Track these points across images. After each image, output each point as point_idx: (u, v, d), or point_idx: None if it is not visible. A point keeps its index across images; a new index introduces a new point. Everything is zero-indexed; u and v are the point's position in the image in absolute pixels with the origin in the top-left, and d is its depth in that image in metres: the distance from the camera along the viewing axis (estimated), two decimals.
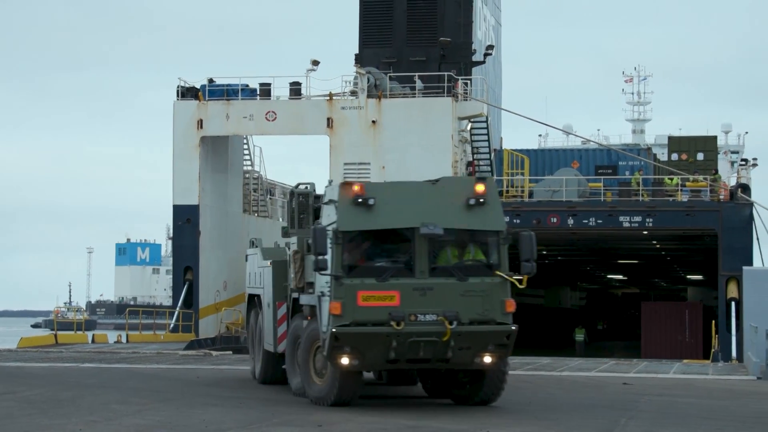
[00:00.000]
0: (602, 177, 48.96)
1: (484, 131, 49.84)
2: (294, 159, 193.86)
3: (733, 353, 42.79)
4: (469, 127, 49.24)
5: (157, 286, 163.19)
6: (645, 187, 47.69)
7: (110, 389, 23.59)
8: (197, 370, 30.04)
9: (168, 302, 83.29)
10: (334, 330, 19.21)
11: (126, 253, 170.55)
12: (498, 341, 19.75)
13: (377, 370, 21.94)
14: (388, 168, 44.71)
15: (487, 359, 19.88)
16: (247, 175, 54.48)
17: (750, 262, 44.77)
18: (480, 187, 19.91)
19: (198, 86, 48.91)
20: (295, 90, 48.63)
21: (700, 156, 54.18)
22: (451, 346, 19.50)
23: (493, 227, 19.97)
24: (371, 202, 19.59)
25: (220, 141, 50.21)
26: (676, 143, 55.61)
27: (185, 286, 48.78)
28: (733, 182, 48.97)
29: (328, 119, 47.49)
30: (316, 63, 48.41)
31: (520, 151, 52.07)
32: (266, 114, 48.19)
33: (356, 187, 19.67)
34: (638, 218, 45.84)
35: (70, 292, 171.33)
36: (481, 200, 19.88)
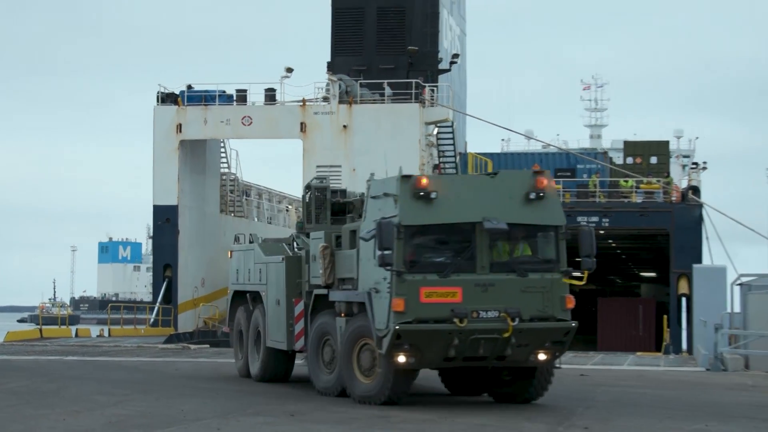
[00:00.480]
0: (561, 179, 49.09)
1: (450, 135, 49.91)
2: (269, 161, 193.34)
3: (684, 346, 43.05)
4: (435, 132, 49.30)
5: (137, 283, 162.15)
6: (602, 189, 47.89)
7: (92, 381, 23.49)
8: (176, 362, 29.92)
9: (148, 298, 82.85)
10: (397, 327, 17.86)
11: (108, 251, 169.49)
12: (556, 338, 18.66)
13: (433, 368, 19.92)
14: (358, 170, 44.76)
15: (542, 356, 18.81)
16: (224, 177, 54.43)
17: (699, 260, 45.01)
18: (540, 181, 18.63)
19: (177, 92, 48.80)
20: (270, 96, 48.61)
21: (653, 160, 54.33)
22: (511, 344, 18.33)
23: (553, 222, 18.66)
24: (434, 195, 18.17)
25: (199, 144, 50.09)
26: (631, 147, 55.74)
27: (165, 283, 48.68)
28: (684, 184, 49.18)
29: (302, 124, 47.48)
30: (290, 70, 48.41)
31: (484, 154, 52.10)
32: (242, 119, 48.14)
33: (419, 180, 18.22)
34: (595, 218, 45.96)
35: (54, 288, 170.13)
36: (541, 194, 18.58)
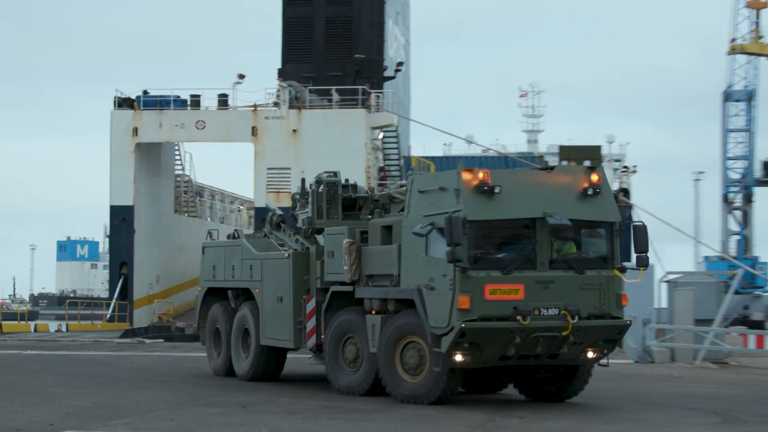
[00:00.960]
0: None
1: (395, 140, 50.11)
2: (221, 164, 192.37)
3: None
4: (380, 136, 49.47)
5: (95, 280, 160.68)
6: None
7: (51, 374, 23.31)
8: (132, 356, 29.76)
9: (105, 294, 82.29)
10: (463, 325, 16.63)
11: (66, 249, 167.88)
12: (610, 336, 17.77)
13: (488, 366, 18.06)
14: (307, 173, 44.73)
15: (590, 354, 17.83)
16: (178, 179, 54.21)
17: (629, 259, 45.48)
18: (596, 177, 17.64)
19: (133, 97, 48.54)
20: (223, 101, 48.51)
21: (586, 163, 54.64)
22: (568, 342, 17.33)
23: (609, 218, 17.71)
24: (497, 190, 16.96)
25: (154, 147, 49.83)
26: (566, 152, 56.03)
27: (121, 280, 48.38)
28: (615, 187, 49.76)
29: (253, 128, 47.39)
30: (242, 77, 48.36)
31: (427, 158, 52.27)
32: (196, 123, 47.97)
33: (482, 174, 16.99)
34: None
35: (14, 285, 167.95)
36: (597, 190, 17.61)
